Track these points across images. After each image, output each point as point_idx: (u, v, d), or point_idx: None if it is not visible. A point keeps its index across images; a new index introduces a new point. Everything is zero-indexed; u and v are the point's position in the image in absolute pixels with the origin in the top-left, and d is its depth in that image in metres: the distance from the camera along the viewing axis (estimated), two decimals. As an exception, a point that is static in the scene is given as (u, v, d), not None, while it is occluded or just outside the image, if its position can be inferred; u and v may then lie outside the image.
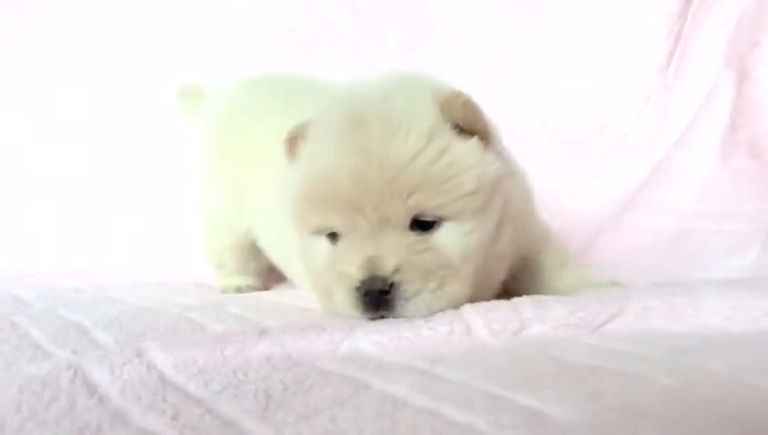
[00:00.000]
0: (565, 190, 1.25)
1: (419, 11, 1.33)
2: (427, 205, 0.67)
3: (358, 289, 0.66)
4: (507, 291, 0.80)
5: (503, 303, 0.67)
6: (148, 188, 1.33)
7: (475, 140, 0.71)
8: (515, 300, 0.67)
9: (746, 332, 0.64)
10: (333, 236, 0.71)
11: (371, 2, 1.34)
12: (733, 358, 0.56)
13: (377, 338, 0.61)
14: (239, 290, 1.04)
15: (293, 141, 0.76)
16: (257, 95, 1.06)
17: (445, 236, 0.69)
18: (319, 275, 0.73)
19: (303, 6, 1.34)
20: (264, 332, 0.60)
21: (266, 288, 1.08)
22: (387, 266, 0.66)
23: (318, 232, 0.72)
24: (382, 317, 0.67)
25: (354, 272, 0.67)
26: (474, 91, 1.25)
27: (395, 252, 0.66)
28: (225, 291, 1.05)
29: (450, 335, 0.62)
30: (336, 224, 0.69)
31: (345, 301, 0.68)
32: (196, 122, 1.12)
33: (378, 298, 0.66)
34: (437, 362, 0.56)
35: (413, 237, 0.68)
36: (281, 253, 0.97)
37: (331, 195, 0.68)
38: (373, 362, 0.57)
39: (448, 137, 0.69)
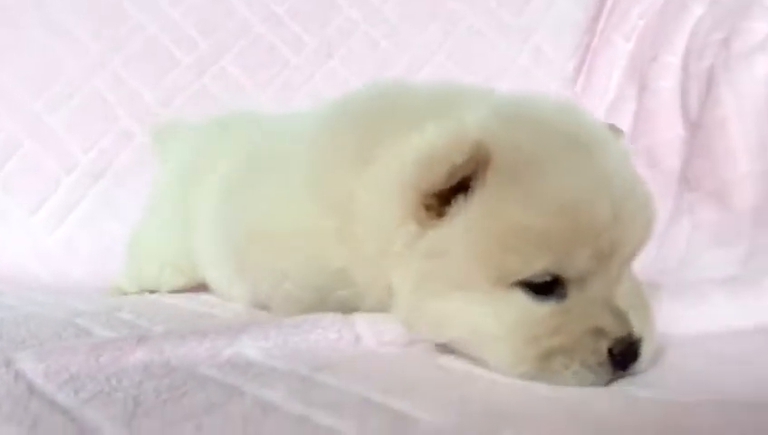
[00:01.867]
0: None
1: (336, 18, 1.33)
2: None
3: (612, 348, 0.53)
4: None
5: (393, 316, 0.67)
6: (47, 183, 1.26)
7: None
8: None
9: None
10: (542, 289, 0.55)
11: (288, 7, 1.33)
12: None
13: (263, 344, 0.61)
14: (124, 293, 1.03)
15: (463, 169, 0.55)
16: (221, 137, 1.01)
17: None
18: (520, 338, 0.55)
19: (223, 9, 1.32)
20: (143, 338, 0.59)
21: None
22: (636, 321, 0.55)
23: (517, 282, 0.55)
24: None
25: (611, 328, 0.54)
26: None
27: (639, 301, 0.57)
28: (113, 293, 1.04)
29: (338, 342, 0.63)
30: (581, 265, 0.54)
31: (589, 363, 0.53)
32: (167, 157, 1.09)
33: (632, 357, 0.54)
34: (321, 368, 0.56)
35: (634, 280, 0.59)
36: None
37: (585, 229, 0.53)
38: (255, 368, 0.57)
39: None
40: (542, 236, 0.53)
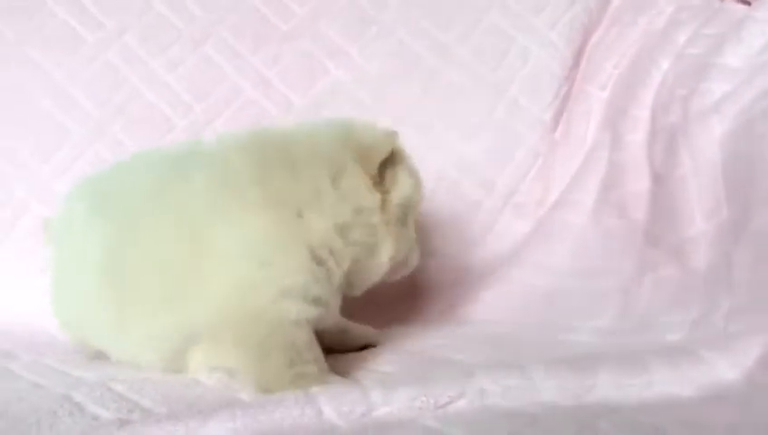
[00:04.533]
0: (458, 247, 1.33)
1: (321, 79, 1.40)
2: None
3: None
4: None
5: (352, 385, 0.74)
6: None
7: None
8: (365, 383, 0.74)
9: (570, 407, 0.72)
10: None
11: (277, 70, 1.40)
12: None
13: (230, 425, 0.67)
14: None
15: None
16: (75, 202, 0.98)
17: None
18: None
19: (214, 74, 1.40)
20: (124, 423, 0.66)
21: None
22: None
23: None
24: None
25: None
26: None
27: None
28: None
29: (302, 418, 0.69)
30: None
31: None
32: None
33: None
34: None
35: None
36: None
37: None
38: (224, 449, 0.64)
39: None
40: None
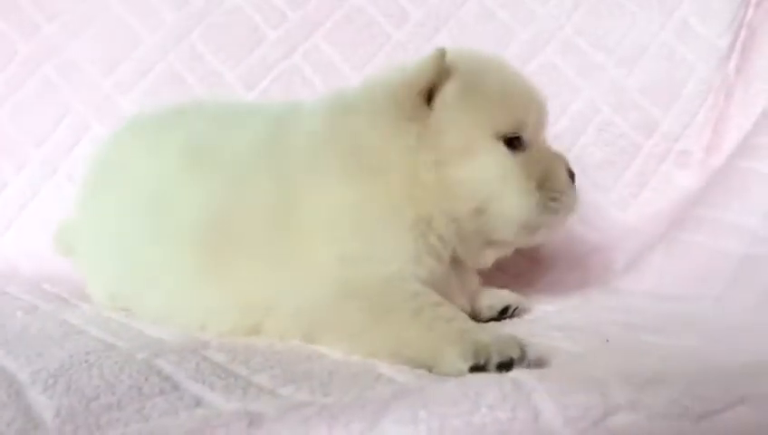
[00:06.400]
0: (608, 199, 1.09)
1: (442, -18, 1.16)
2: None
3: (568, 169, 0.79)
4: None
5: (590, 380, 0.51)
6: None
7: None
8: (605, 378, 0.51)
9: None
10: (512, 143, 0.75)
11: (389, -28, 1.16)
12: None
13: (411, 429, 0.44)
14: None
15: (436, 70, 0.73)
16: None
17: None
18: (521, 177, 0.75)
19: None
20: (253, 421, 0.44)
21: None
22: None
23: (504, 136, 0.75)
24: None
25: (560, 158, 0.80)
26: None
27: None
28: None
29: (512, 423, 0.46)
30: (533, 120, 0.77)
31: (570, 195, 0.78)
32: None
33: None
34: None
35: None
36: None
37: (531, 94, 0.79)
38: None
39: None
40: (513, 103, 0.76)
